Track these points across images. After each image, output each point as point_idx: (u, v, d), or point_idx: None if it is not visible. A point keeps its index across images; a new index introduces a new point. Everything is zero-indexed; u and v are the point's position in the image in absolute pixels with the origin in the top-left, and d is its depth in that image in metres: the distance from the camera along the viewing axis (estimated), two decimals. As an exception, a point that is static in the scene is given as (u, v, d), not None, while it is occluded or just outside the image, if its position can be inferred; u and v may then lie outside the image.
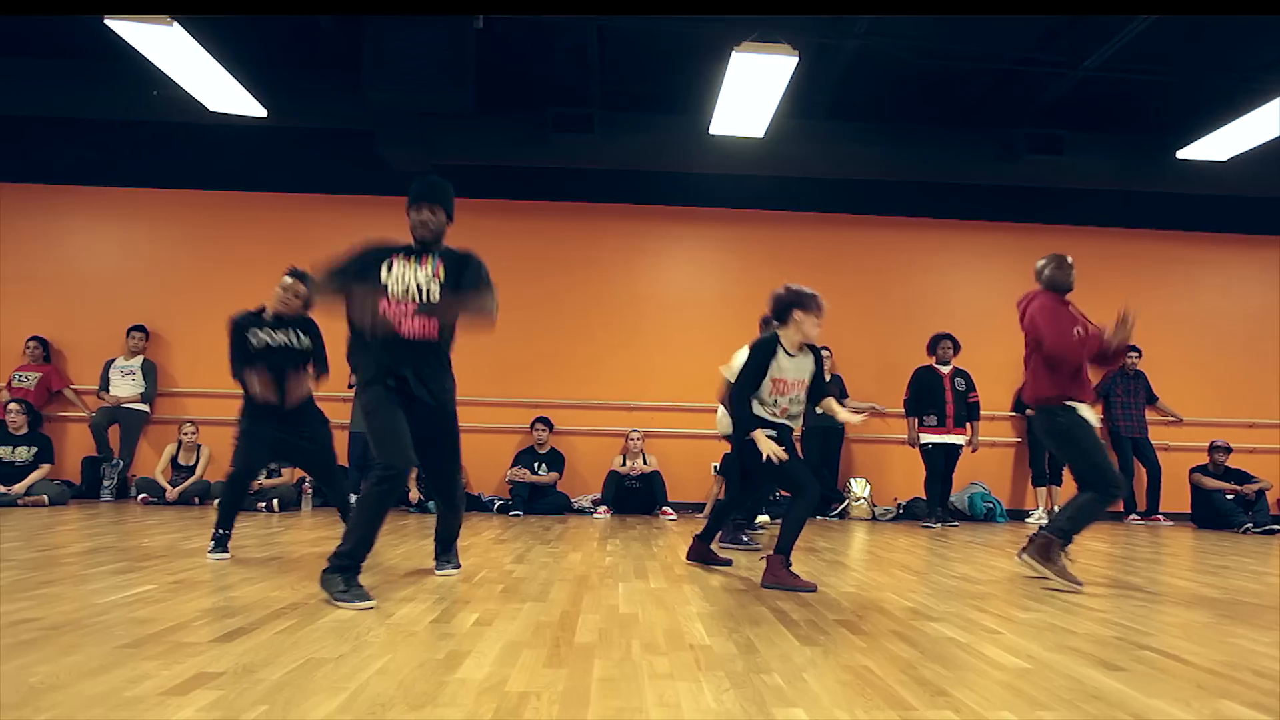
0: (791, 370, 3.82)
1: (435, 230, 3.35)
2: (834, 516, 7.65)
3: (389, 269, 3.30)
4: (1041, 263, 4.16)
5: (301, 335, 4.31)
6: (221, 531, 4.10)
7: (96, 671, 2.06)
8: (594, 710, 1.86)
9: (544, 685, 2.04)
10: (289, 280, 4.28)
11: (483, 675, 2.11)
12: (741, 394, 3.79)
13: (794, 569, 3.66)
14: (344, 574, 3.05)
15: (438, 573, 3.71)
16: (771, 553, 3.65)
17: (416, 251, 3.36)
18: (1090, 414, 3.93)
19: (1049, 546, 3.78)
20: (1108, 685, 2.19)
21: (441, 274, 3.34)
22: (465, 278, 3.36)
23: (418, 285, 3.30)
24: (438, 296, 3.30)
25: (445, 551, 3.82)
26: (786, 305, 3.83)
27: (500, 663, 2.24)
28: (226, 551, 4.08)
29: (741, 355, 5.50)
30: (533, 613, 2.92)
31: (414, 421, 3.25)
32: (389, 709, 1.83)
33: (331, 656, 2.25)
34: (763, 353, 3.80)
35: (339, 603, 2.95)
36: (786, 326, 3.84)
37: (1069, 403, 3.88)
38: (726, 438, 6.05)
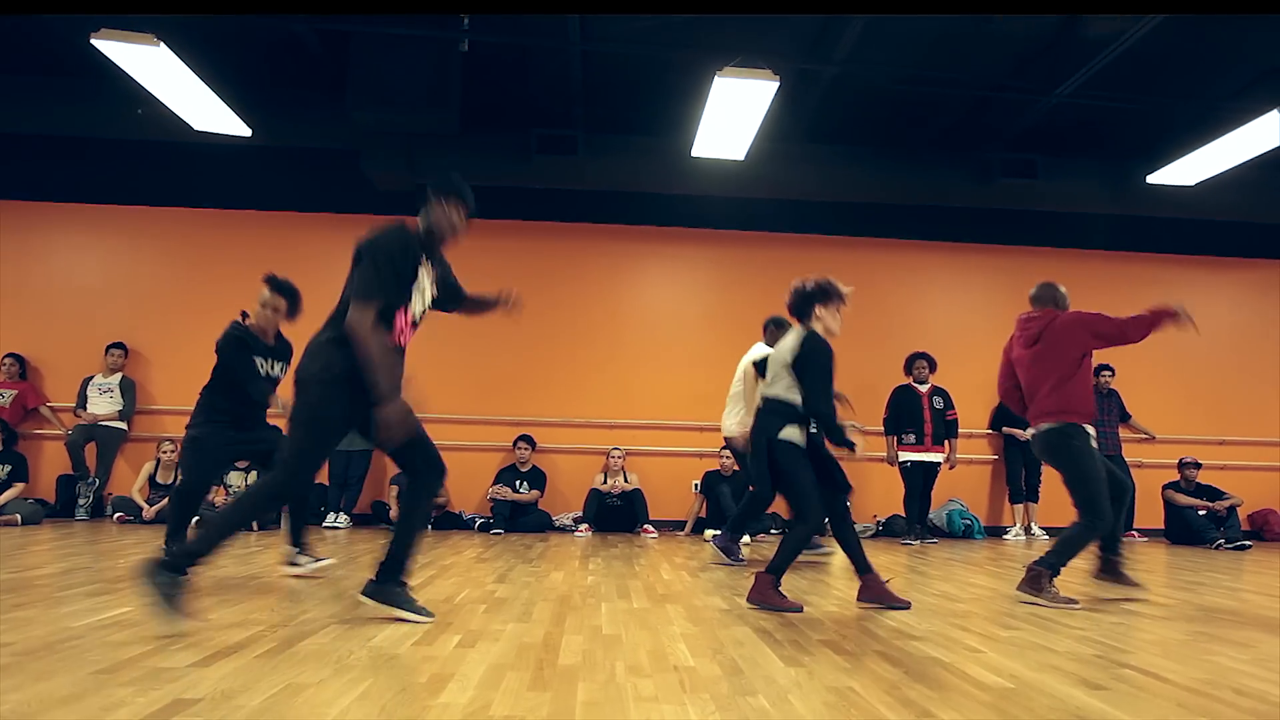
0: None
1: (459, 241, 3.23)
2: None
3: (416, 281, 3.10)
4: (1047, 289, 4.16)
5: (282, 366, 4.28)
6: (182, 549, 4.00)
7: (70, 699, 2.02)
8: (579, 734, 1.86)
9: (528, 710, 2.02)
10: (268, 294, 4.19)
11: (466, 700, 2.09)
12: (825, 394, 3.61)
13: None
14: (173, 571, 2.83)
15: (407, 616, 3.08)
16: (763, 571, 3.60)
17: (434, 255, 3.20)
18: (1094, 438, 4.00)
19: (1039, 578, 3.86)
20: (1090, 705, 2.20)
21: (435, 288, 3.27)
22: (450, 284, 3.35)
23: (424, 298, 3.18)
24: (429, 309, 3.24)
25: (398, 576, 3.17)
26: (807, 299, 3.72)
27: (484, 686, 2.22)
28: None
29: (754, 354, 5.57)
30: (515, 634, 2.90)
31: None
32: (372, 735, 1.81)
33: (312, 681, 2.22)
34: (828, 354, 3.63)
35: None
36: (808, 322, 3.72)
37: (1087, 426, 3.94)
38: (730, 446, 6.04)
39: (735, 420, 5.74)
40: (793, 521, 3.73)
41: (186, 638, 2.70)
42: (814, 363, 3.60)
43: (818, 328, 3.71)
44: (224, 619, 3.04)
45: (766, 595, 3.55)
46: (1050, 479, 6.15)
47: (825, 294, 3.71)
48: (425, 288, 3.15)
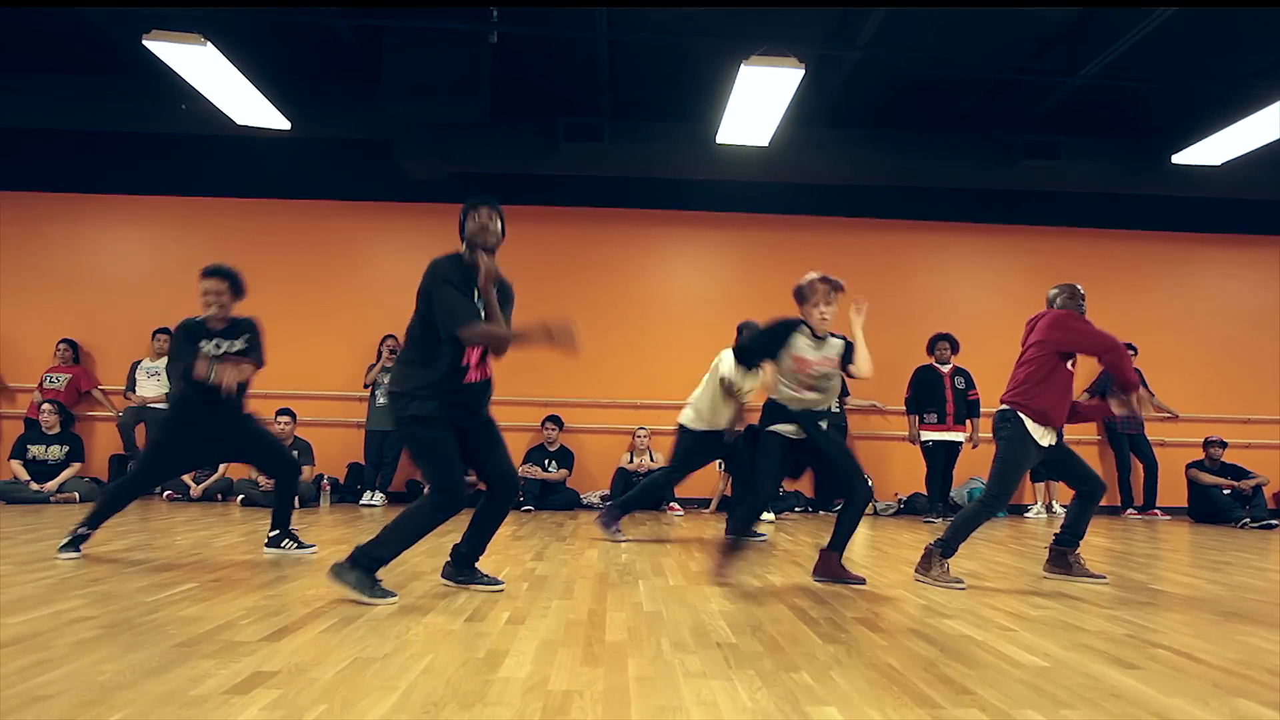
0: (812, 352, 3.83)
1: (496, 239, 3.27)
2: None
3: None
4: (1056, 290, 4.18)
5: (235, 343, 4.14)
6: (84, 530, 4.00)
7: (159, 670, 2.16)
8: (636, 709, 1.96)
9: (584, 684, 2.13)
10: (210, 282, 4.05)
11: (524, 674, 2.21)
12: (762, 343, 3.86)
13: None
14: (368, 573, 3.13)
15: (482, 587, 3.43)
16: (825, 548, 3.88)
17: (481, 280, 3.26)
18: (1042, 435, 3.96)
19: (929, 557, 3.88)
20: (1126, 684, 2.26)
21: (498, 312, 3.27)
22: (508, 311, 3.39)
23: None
24: None
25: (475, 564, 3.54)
26: (797, 301, 3.93)
27: (539, 661, 2.33)
28: (78, 552, 3.97)
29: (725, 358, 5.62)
30: (561, 611, 3.03)
31: (462, 440, 3.23)
32: (442, 708, 1.92)
33: (378, 656, 2.35)
34: (784, 329, 3.84)
35: (366, 598, 3.06)
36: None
37: (1029, 420, 3.95)
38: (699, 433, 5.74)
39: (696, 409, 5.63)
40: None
41: (254, 613, 2.85)
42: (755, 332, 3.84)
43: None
44: (284, 595, 3.19)
45: (834, 569, 3.82)
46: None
47: (800, 293, 3.90)
48: (495, 315, 3.24)
